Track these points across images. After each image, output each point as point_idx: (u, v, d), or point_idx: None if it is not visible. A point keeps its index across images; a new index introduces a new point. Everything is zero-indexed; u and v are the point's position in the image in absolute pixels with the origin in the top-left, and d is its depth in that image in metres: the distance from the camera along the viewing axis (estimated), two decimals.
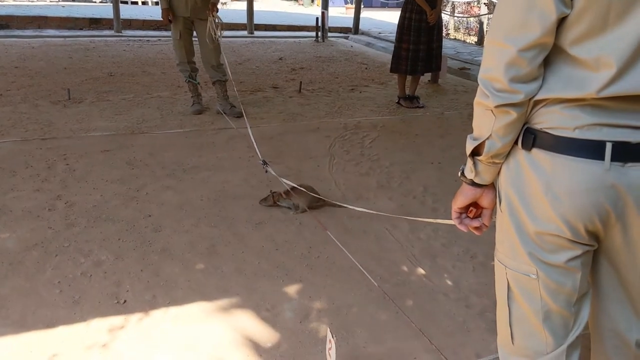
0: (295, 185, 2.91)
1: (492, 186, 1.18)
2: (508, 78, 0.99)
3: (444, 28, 11.33)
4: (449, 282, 2.39)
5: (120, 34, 9.58)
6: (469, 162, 1.13)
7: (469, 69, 7.39)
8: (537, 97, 1.01)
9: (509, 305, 1.18)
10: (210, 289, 2.27)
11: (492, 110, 1.03)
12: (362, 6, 12.04)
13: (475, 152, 1.11)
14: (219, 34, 4.55)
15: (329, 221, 2.89)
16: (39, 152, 3.74)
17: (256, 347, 1.93)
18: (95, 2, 14.99)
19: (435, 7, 5.15)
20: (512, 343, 1.21)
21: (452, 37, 11.27)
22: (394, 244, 2.70)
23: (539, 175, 1.03)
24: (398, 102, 5.50)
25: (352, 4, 14.71)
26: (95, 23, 10.25)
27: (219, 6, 4.75)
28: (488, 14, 9.80)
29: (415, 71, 5.35)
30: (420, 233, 2.82)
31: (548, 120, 1.02)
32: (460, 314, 2.17)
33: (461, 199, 1.20)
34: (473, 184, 1.16)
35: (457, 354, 1.94)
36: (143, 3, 16.44)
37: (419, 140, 4.36)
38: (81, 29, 9.97)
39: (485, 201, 1.19)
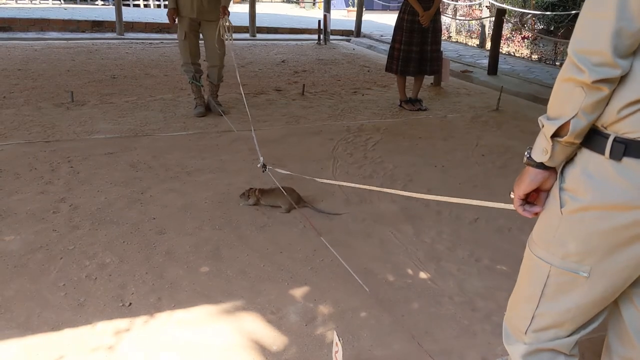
0: (275, 187, 2.91)
1: (555, 169, 1.17)
2: (611, 50, 0.96)
3: (445, 31, 11.37)
4: (454, 286, 2.39)
5: (123, 37, 9.59)
6: (546, 144, 1.11)
7: (471, 71, 7.39)
8: (635, 98, 1.00)
9: (539, 300, 1.20)
10: (215, 292, 2.27)
11: (583, 87, 1.01)
12: (363, 9, 12.04)
13: (556, 134, 1.09)
14: (230, 37, 4.57)
15: (332, 224, 2.89)
16: (42, 155, 3.74)
17: (262, 350, 1.93)
18: (97, 4, 15.01)
19: (429, 9, 5.14)
20: (525, 333, 1.25)
21: (454, 40, 11.26)
22: (398, 247, 2.70)
23: (635, 181, 1.02)
24: (400, 105, 5.50)
25: (353, 6, 14.73)
26: (97, 25, 10.25)
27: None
28: (490, 17, 9.79)
29: (406, 72, 5.34)
30: (425, 236, 2.81)
31: None
32: (465, 317, 2.17)
33: (529, 184, 1.18)
34: (541, 166, 1.15)
35: (462, 357, 1.94)
36: (145, 5, 16.46)
37: (422, 143, 4.36)
38: (83, 32, 9.98)
39: (548, 184, 1.18)
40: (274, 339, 1.99)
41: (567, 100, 1.05)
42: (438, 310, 2.21)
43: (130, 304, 2.17)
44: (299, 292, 2.29)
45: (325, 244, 2.60)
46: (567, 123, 1.05)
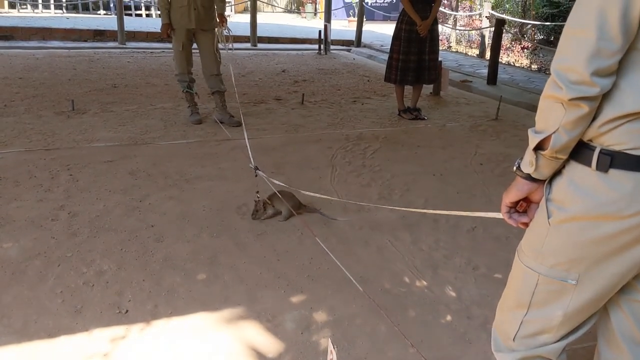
0: (274, 191, 2.92)
1: (544, 182, 1.18)
2: (589, 70, 0.97)
3: (445, 41, 11.43)
4: (451, 294, 2.39)
5: (124, 46, 9.65)
6: (530, 156, 1.13)
7: (471, 81, 7.42)
8: (616, 114, 1.01)
9: (528, 307, 1.22)
10: (212, 299, 2.27)
11: (563, 104, 1.02)
12: (364, 19, 12.11)
13: (539, 147, 1.10)
14: (230, 45, 4.58)
15: (330, 232, 2.90)
16: (42, 163, 3.76)
17: (258, 357, 1.93)
18: (99, 13, 15.10)
19: (426, 19, 5.18)
20: (514, 339, 1.27)
21: (454, 50, 11.32)
22: (395, 255, 2.71)
23: (621, 192, 1.03)
24: (399, 114, 5.53)
25: (354, 17, 14.81)
26: (99, 35, 10.32)
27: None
28: (489, 27, 9.84)
29: (405, 81, 5.37)
30: (422, 244, 2.82)
31: (629, 141, 1.01)
32: (461, 325, 2.17)
33: (515, 193, 1.20)
34: (529, 178, 1.16)
35: None
36: (147, 15, 16.56)
37: (420, 151, 4.38)
38: (85, 41, 10.04)
39: (537, 196, 1.19)
40: (270, 346, 2.00)
41: (549, 116, 1.06)
42: (434, 318, 2.21)
43: (127, 311, 2.17)
44: (295, 299, 2.30)
45: (325, 249, 2.61)
46: (548, 137, 1.07)
